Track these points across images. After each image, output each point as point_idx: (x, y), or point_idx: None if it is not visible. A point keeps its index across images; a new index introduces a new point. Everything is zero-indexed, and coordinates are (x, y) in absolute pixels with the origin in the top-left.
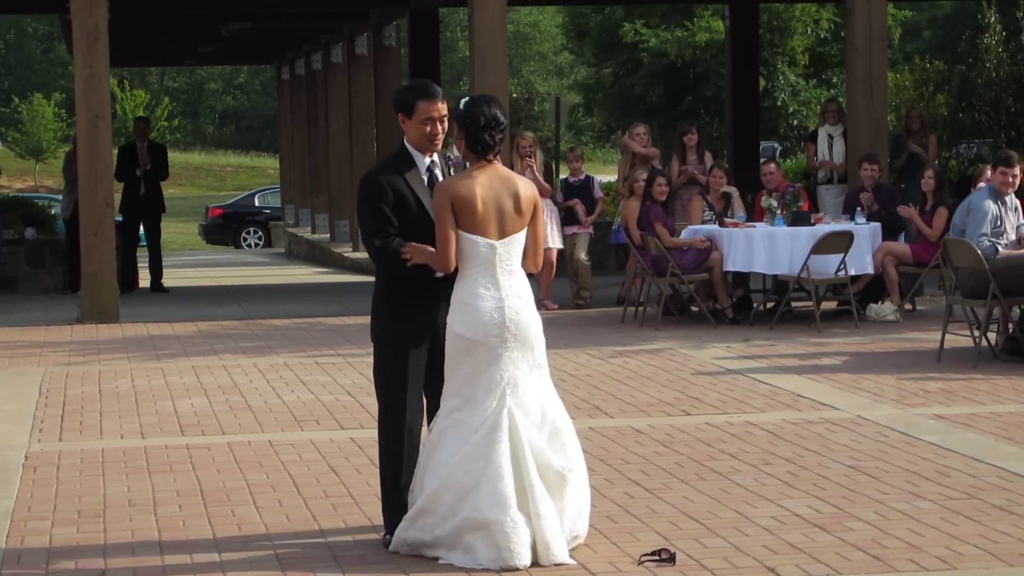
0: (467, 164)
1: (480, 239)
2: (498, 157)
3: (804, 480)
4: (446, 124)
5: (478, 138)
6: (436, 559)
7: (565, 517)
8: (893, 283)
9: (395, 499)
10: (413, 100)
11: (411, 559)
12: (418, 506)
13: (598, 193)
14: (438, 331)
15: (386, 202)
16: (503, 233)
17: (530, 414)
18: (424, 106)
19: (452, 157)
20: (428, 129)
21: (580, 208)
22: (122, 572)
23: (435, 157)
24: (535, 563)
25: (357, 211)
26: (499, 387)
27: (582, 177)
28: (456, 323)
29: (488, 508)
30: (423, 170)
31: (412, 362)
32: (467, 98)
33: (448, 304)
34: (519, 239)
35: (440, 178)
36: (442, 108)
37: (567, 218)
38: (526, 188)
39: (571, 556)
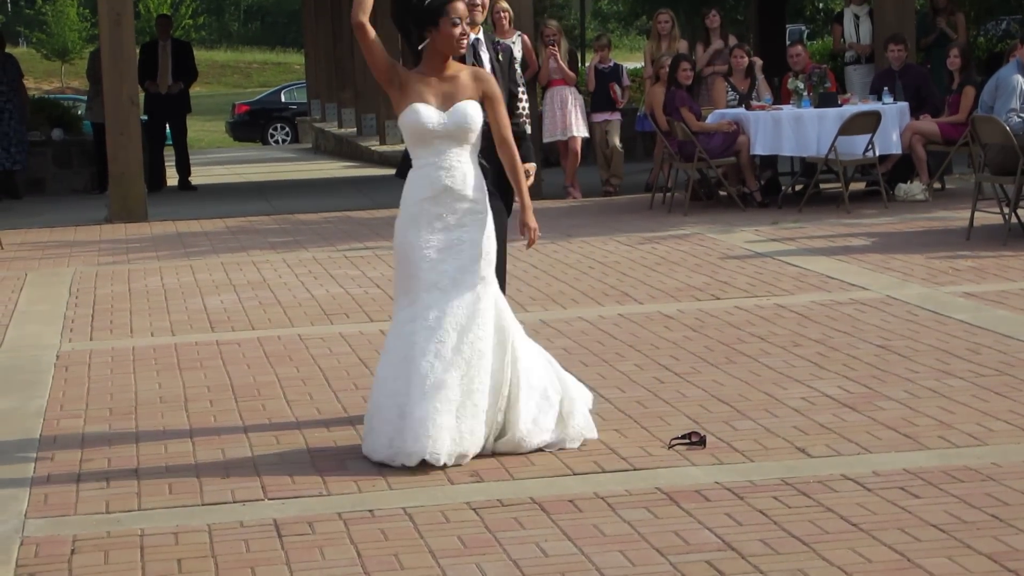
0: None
1: None
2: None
3: (834, 361)
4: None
5: None
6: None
7: None
8: (921, 162)
9: None
10: None
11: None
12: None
13: (626, 81)
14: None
15: None
16: None
17: None
18: None
19: (500, 41)
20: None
21: (617, 89)
22: (155, 468)
23: (480, 35)
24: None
25: None
26: None
27: (611, 64)
28: None
29: None
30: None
31: None
32: None
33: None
34: None
35: (485, 58)
36: None
37: (598, 104)
38: None
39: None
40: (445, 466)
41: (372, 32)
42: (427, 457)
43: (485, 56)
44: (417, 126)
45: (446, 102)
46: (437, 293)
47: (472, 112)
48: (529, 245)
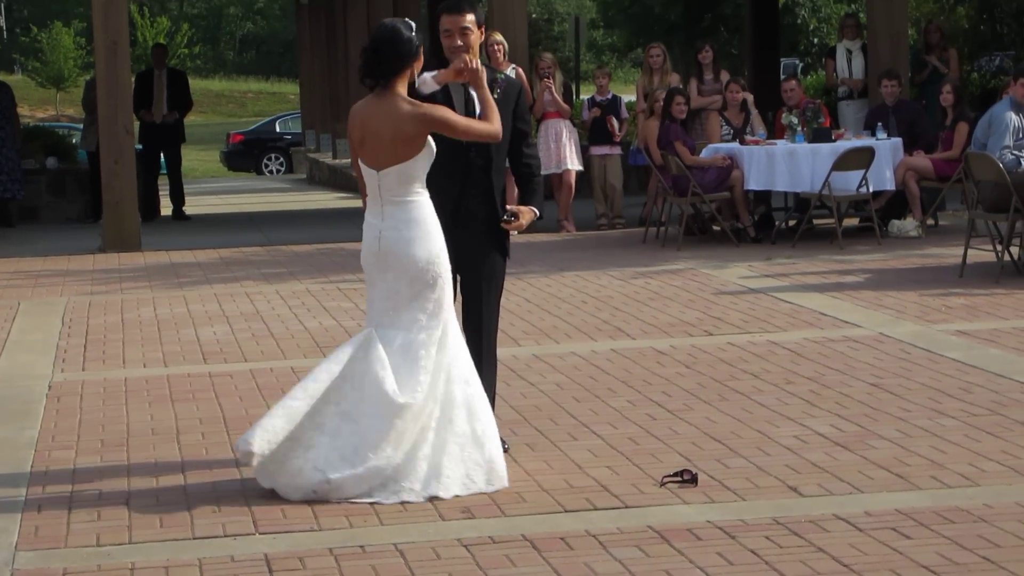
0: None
1: (365, 167)
2: (392, 85)
3: (826, 399)
4: (470, 37)
5: (360, 66)
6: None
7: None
8: (915, 198)
9: None
10: (438, 15)
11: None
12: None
13: (624, 114)
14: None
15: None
16: (380, 164)
17: (388, 343)
18: (444, 20)
19: (500, 78)
20: (447, 42)
21: (614, 122)
22: (146, 500)
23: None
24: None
25: None
26: (372, 313)
27: (609, 96)
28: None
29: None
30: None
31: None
32: None
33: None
34: (404, 170)
35: (475, 96)
36: (461, 20)
37: (596, 138)
38: (410, 124)
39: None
40: None
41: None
42: None
43: (475, 94)
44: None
45: None
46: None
47: None
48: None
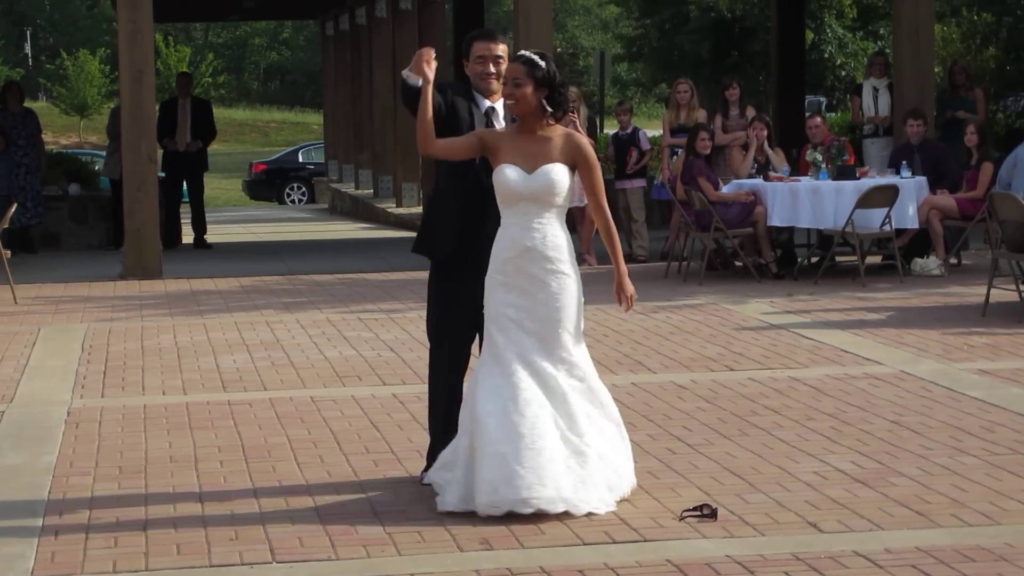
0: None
1: None
2: None
3: (847, 435)
4: (502, 66)
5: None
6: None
7: None
8: (938, 237)
9: (435, 447)
10: (471, 41)
11: (453, 515)
12: None
13: (645, 145)
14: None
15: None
16: None
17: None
18: (477, 46)
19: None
20: (479, 68)
21: (634, 155)
22: (163, 525)
23: (498, 106)
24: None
25: None
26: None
27: (630, 130)
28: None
29: None
30: (481, 109)
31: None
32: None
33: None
34: None
35: (498, 128)
36: (496, 47)
37: (619, 173)
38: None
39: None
40: None
41: (441, 145)
42: None
43: (498, 126)
44: (502, 187)
45: (533, 164)
46: (519, 358)
47: (557, 176)
48: (627, 309)
